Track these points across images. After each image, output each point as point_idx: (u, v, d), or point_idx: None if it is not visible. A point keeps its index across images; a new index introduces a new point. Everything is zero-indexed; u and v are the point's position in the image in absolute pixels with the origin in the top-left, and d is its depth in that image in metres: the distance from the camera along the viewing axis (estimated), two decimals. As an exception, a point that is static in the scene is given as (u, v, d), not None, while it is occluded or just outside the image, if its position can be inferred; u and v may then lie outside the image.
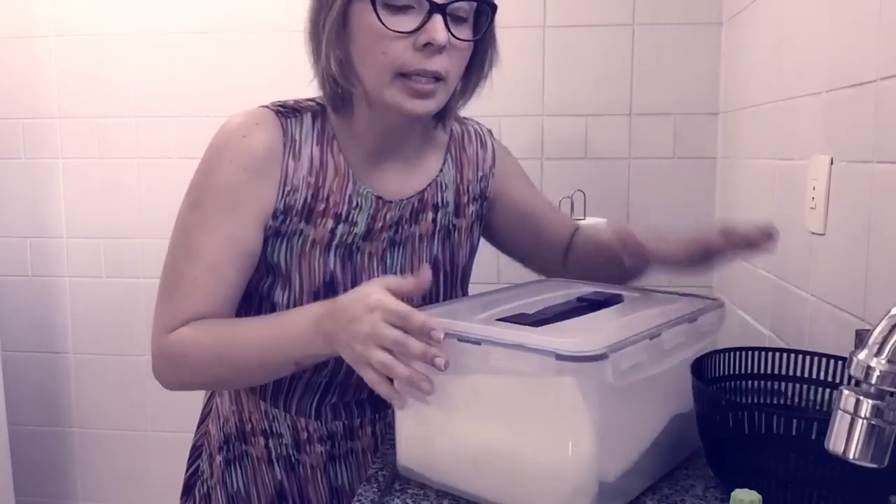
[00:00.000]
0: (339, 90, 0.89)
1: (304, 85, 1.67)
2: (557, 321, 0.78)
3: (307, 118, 0.93)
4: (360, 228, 0.94)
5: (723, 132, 1.58)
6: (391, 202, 0.95)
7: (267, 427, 0.99)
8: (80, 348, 1.85)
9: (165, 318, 0.89)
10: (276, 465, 1.00)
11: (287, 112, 0.92)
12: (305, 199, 0.91)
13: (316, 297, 0.91)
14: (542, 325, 0.75)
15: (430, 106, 0.87)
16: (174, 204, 1.77)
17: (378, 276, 0.94)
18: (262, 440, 1.00)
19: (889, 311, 0.52)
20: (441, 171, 1.00)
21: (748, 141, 1.39)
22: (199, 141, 1.72)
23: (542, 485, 0.71)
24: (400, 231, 0.96)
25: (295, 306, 0.91)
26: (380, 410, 1.02)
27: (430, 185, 0.98)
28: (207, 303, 0.88)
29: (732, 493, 0.63)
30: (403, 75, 0.84)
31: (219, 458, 1.02)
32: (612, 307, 0.86)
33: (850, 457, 0.52)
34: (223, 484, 1.01)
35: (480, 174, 1.03)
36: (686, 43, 1.59)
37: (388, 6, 0.83)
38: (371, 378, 0.76)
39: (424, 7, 0.82)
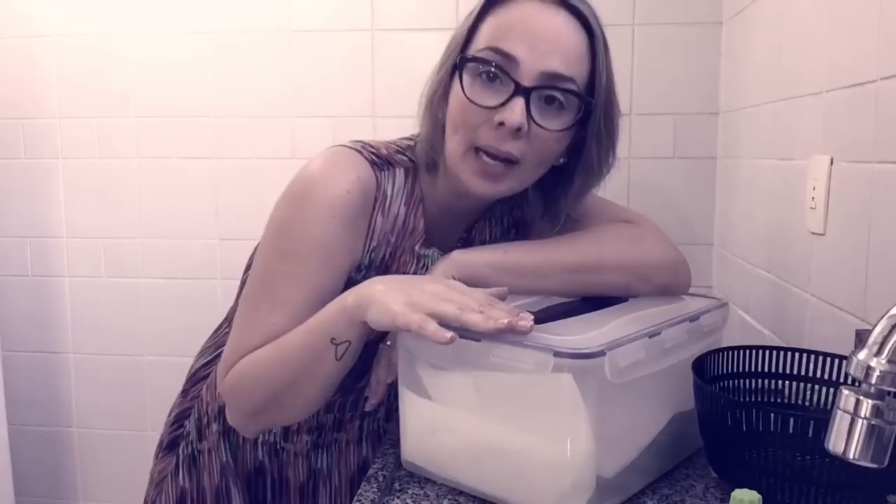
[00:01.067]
0: (431, 154, 0.89)
1: (303, 85, 1.68)
2: (559, 319, 0.78)
3: (400, 174, 0.91)
4: None
5: (723, 132, 1.58)
6: None
7: None
8: (80, 348, 1.85)
9: (234, 355, 0.87)
10: (259, 448, 1.01)
11: (382, 164, 0.90)
12: (384, 256, 0.90)
13: (372, 344, 0.88)
14: (542, 322, 0.75)
15: (497, 188, 0.85)
16: (174, 204, 1.79)
17: None
18: None
19: (889, 311, 0.52)
20: (491, 207, 0.99)
21: (748, 141, 1.39)
22: (199, 141, 1.74)
23: (541, 480, 0.71)
24: None
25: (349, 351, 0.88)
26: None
27: (478, 221, 0.98)
28: None
29: (732, 493, 0.63)
30: (477, 150, 0.83)
31: (215, 427, 1.02)
32: (616, 306, 0.86)
33: (850, 457, 0.52)
34: (217, 452, 1.02)
35: (513, 202, 1.01)
36: (686, 43, 1.59)
37: (478, 78, 0.82)
38: (417, 319, 0.71)
39: (510, 86, 0.81)
